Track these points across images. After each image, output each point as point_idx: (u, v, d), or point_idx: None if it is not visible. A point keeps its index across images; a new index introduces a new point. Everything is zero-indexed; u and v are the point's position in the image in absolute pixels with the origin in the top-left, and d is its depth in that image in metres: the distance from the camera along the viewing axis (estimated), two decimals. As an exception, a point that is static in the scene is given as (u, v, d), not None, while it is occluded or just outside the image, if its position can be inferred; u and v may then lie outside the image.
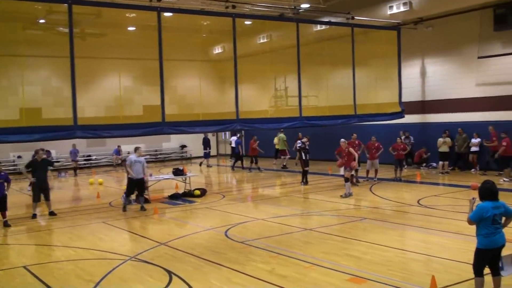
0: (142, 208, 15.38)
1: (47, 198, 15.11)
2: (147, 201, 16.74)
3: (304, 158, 19.60)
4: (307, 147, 19.84)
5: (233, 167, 27.14)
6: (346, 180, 16.66)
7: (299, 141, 20.38)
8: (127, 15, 15.60)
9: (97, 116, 14.75)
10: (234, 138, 29.27)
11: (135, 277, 8.81)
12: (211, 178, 24.89)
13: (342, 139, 17.43)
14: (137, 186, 15.49)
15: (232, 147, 30.18)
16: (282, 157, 26.58)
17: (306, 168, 19.68)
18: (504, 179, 18.23)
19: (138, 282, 8.56)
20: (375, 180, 19.73)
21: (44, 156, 15.78)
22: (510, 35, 20.31)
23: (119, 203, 16.19)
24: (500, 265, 7.29)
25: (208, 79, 18.02)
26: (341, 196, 16.44)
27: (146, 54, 15.85)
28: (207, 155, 29.67)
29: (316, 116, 18.73)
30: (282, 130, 25.43)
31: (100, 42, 15.65)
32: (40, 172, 14.89)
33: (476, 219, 6.73)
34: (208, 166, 29.38)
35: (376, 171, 19.91)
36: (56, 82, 14.70)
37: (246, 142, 30.12)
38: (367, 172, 20.01)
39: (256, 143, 25.54)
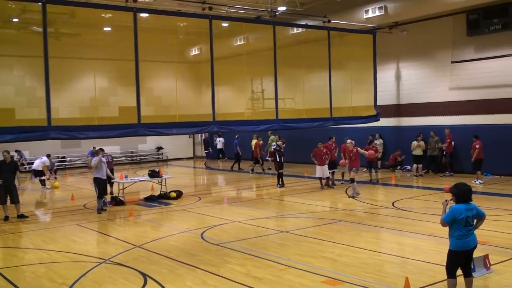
0: (102, 209, 15.43)
1: (14, 201, 14.84)
2: (122, 203, 16.62)
3: (278, 160, 19.67)
4: (282, 150, 19.91)
5: (232, 167, 27.32)
6: (352, 180, 16.84)
7: (274, 143, 20.42)
8: (102, 15, 15.41)
9: (72, 117, 14.55)
10: (221, 139, 29.29)
11: (109, 280, 8.72)
12: (187, 180, 24.75)
13: (349, 140, 17.79)
14: (103, 187, 15.51)
15: (218, 149, 30.25)
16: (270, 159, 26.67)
17: (281, 171, 19.73)
18: (479, 181, 18.55)
19: (112, 285, 8.47)
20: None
21: (16, 157, 15.56)
22: (482, 40, 20.70)
23: (94, 205, 16.01)
24: (472, 266, 7.42)
25: (184, 80, 17.91)
26: (349, 196, 16.67)
27: (122, 55, 15.69)
28: (209, 155, 29.89)
29: (293, 118, 18.76)
30: (271, 132, 25.49)
31: (75, 42, 15.43)
32: (7, 173, 14.65)
33: (450, 221, 6.82)
34: (207, 167, 29.50)
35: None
36: (30, 82, 14.45)
37: (230, 143, 30.13)
38: (343, 174, 20.16)
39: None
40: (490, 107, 20.68)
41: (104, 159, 15.88)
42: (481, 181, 18.52)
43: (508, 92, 19.92)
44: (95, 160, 15.59)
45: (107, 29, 16.12)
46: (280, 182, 19.78)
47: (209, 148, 29.90)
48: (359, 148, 17.02)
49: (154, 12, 16.29)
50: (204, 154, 30.84)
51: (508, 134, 20.02)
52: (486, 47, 20.58)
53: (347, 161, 17.67)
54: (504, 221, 12.35)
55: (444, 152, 21.53)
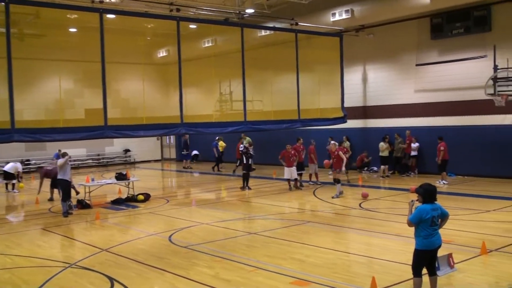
0: (67, 213, 15.15)
1: None
2: (88, 206, 16.39)
3: (245, 162, 19.65)
4: (250, 152, 19.90)
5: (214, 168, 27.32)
6: (337, 181, 17.01)
7: (241, 145, 20.39)
8: (68, 16, 15.20)
9: (37, 119, 14.31)
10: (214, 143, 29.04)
11: (75, 285, 8.58)
12: (155, 182, 24.55)
13: (332, 141, 17.90)
14: (68, 190, 15.32)
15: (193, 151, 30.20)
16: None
17: (245, 172, 19.69)
18: (444, 181, 18.94)
19: (78, 289, 8.35)
20: (318, 184, 20.06)
21: None
22: (446, 43, 21.18)
23: (59, 209, 15.73)
24: (437, 265, 7.57)
25: (152, 82, 17.81)
26: (332, 197, 16.77)
27: (88, 56, 15.51)
28: (187, 156, 29.92)
29: (261, 120, 18.84)
30: (243, 134, 25.49)
31: (40, 43, 15.15)
32: None
33: (416, 221, 6.93)
34: (188, 167, 29.51)
35: (316, 174, 20.30)
36: (-8, 84, 14.14)
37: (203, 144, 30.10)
38: (310, 176, 20.32)
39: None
40: (453, 109, 21.15)
41: (69, 162, 15.60)
42: (445, 182, 18.91)
43: (470, 94, 20.40)
44: (61, 161, 15.33)
45: (72, 30, 15.90)
46: (245, 185, 19.67)
47: (189, 150, 29.84)
48: (340, 152, 17.16)
49: (120, 13, 16.15)
50: (179, 156, 30.76)
51: (470, 135, 20.52)
52: (449, 51, 21.06)
53: (330, 161, 17.84)
54: (468, 220, 12.63)
55: (408, 155, 22.07)
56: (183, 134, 27.38)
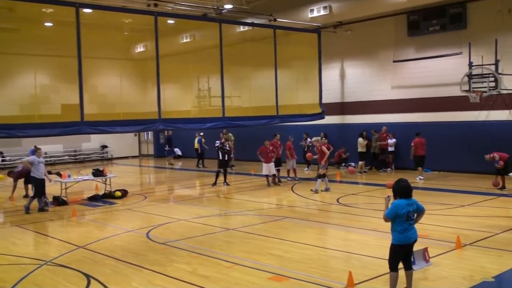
0: (43, 210, 15.06)
1: None
2: (64, 202, 16.22)
3: (221, 158, 19.50)
4: (225, 147, 19.60)
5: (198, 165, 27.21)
6: (319, 176, 17.15)
7: (217, 141, 20.30)
8: (43, 10, 14.97)
9: (11, 115, 14.09)
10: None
11: (51, 282, 8.49)
12: (133, 178, 24.38)
13: (315, 137, 18.01)
14: (40, 187, 15.13)
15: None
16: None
17: (221, 169, 19.59)
18: (421, 177, 19.16)
19: (53, 287, 8.26)
20: (297, 180, 20.14)
21: None
22: (422, 40, 21.40)
23: (35, 205, 15.54)
24: (412, 259, 7.67)
25: (129, 78, 17.69)
26: (321, 190, 16.95)
27: (64, 51, 15.31)
28: (170, 153, 29.75)
29: (239, 116, 18.84)
30: (225, 130, 25.43)
31: (14, 38, 14.93)
32: None
33: (392, 216, 7.01)
34: (170, 163, 29.43)
35: (294, 170, 20.37)
36: (-34, 79, 13.91)
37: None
38: (288, 171, 20.39)
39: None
40: (429, 105, 21.41)
41: (42, 159, 15.39)
42: (421, 177, 19.14)
43: (445, 90, 20.66)
44: (29, 158, 15.16)
45: (48, 24, 15.68)
46: (221, 181, 19.56)
47: (172, 146, 29.71)
48: (323, 147, 17.24)
49: (97, 8, 15.96)
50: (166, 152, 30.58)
51: (446, 131, 20.79)
52: (426, 47, 21.29)
53: (315, 157, 17.93)
54: (443, 215, 12.81)
55: (384, 151, 22.31)
56: (161, 130, 27.25)
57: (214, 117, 18.04)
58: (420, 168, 19.42)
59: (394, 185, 7.12)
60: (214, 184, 19.53)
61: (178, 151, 30.30)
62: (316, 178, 17.56)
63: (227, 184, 19.55)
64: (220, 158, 19.41)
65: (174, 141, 30.14)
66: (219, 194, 17.93)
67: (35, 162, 15.04)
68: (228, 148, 19.69)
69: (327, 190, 17.04)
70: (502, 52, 18.31)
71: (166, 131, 28.75)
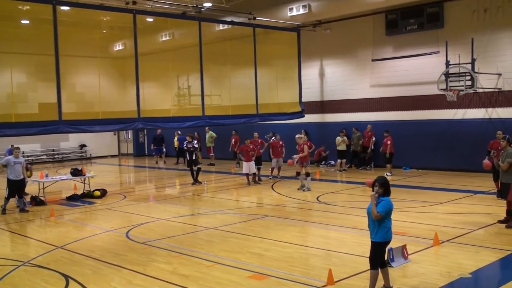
0: (23, 210, 14.85)
1: None
2: (42, 202, 16.02)
3: (188, 158, 19.74)
4: (188, 147, 19.63)
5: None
6: (298, 174, 17.33)
7: (185, 141, 20.26)
8: (19, 7, 14.74)
9: (-13, 114, 13.86)
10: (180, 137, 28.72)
11: (28, 283, 8.39)
12: (112, 178, 24.19)
13: (297, 135, 18.03)
14: (17, 188, 14.89)
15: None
16: (210, 154, 26.59)
17: (190, 168, 19.77)
18: (387, 173, 19.46)
19: (32, 288, 8.17)
20: (279, 178, 20.18)
21: None
22: (400, 39, 21.60)
23: (12, 206, 15.34)
24: (391, 257, 7.74)
25: (108, 76, 17.49)
26: (300, 189, 17.05)
27: (41, 49, 15.09)
28: (158, 151, 29.73)
29: (219, 115, 18.79)
30: (208, 128, 25.43)
31: (-11, 35, 14.68)
32: None
33: (386, 213, 6.97)
34: (157, 162, 29.47)
35: (279, 168, 20.41)
36: None
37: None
38: (272, 170, 20.41)
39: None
40: (407, 103, 21.64)
41: (20, 160, 15.10)
42: (388, 174, 19.48)
43: (423, 89, 20.89)
44: (3, 161, 14.96)
45: (25, 22, 15.44)
46: (194, 180, 19.69)
47: (162, 145, 29.58)
48: (305, 146, 17.27)
49: (75, 5, 15.74)
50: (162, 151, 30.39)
51: (424, 129, 21.04)
52: (404, 46, 21.50)
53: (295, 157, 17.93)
54: (421, 212, 12.96)
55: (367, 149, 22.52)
56: (141, 129, 27.09)
57: (194, 115, 17.96)
58: (389, 165, 19.87)
59: (384, 182, 7.09)
60: (194, 182, 19.58)
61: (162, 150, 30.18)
62: (296, 176, 17.59)
63: (195, 183, 19.51)
64: (188, 158, 19.76)
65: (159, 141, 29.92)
66: (200, 193, 17.89)
67: (10, 162, 14.78)
68: (192, 148, 19.62)
69: (308, 189, 17.08)
70: (478, 51, 18.57)
71: (157, 131, 28.66)
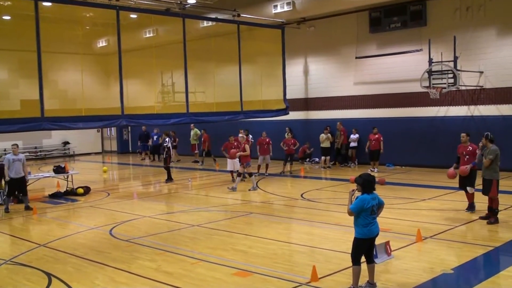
0: (28, 208, 14.66)
1: None
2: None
3: (164, 156, 19.96)
4: (165, 144, 19.86)
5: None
6: (239, 174, 17.28)
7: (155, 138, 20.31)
8: (0, 2, 14.57)
9: (-32, 111, 13.69)
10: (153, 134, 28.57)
11: (10, 282, 8.31)
12: (95, 175, 24.01)
13: (241, 135, 18.17)
14: (18, 186, 14.70)
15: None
16: (195, 152, 26.56)
17: (165, 166, 19.89)
18: (371, 169, 19.66)
19: (13, 286, 8.09)
20: (266, 175, 20.19)
21: None
22: (383, 37, 21.74)
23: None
24: (375, 253, 7.79)
25: (91, 73, 17.35)
26: (249, 190, 16.96)
27: (23, 45, 14.92)
28: (145, 147, 29.90)
29: (203, 112, 18.76)
30: (193, 125, 25.40)
31: (-30, 31, 14.49)
32: None
33: (358, 211, 7.09)
34: (142, 159, 29.77)
35: (267, 166, 20.42)
36: None
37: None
38: (259, 167, 20.41)
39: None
40: (390, 101, 21.79)
41: (19, 156, 14.79)
42: (372, 169, 19.93)
43: (406, 87, 21.06)
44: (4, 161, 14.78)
45: (6, 17, 15.25)
46: (168, 178, 19.84)
47: (148, 141, 29.45)
48: (246, 145, 17.33)
49: (57, 1, 15.57)
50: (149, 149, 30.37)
51: (407, 126, 21.20)
52: (387, 44, 21.63)
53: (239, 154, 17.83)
54: (404, 209, 13.07)
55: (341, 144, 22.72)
56: (125, 126, 26.94)
57: (178, 112, 17.92)
58: (375, 162, 20.29)
59: (361, 179, 7.18)
60: (168, 180, 19.81)
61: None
62: (239, 176, 17.52)
63: (167, 181, 19.65)
64: (164, 156, 20.00)
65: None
66: (184, 190, 17.85)
67: (9, 160, 14.57)
68: (165, 146, 19.80)
69: (255, 189, 17.11)
70: (460, 49, 18.74)
71: (141, 128, 28.65)
